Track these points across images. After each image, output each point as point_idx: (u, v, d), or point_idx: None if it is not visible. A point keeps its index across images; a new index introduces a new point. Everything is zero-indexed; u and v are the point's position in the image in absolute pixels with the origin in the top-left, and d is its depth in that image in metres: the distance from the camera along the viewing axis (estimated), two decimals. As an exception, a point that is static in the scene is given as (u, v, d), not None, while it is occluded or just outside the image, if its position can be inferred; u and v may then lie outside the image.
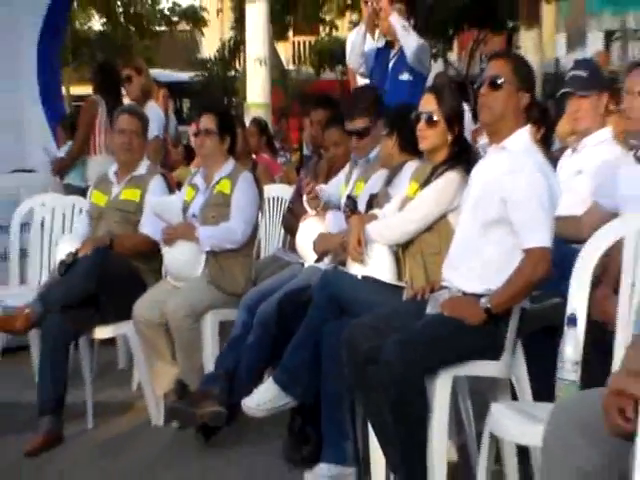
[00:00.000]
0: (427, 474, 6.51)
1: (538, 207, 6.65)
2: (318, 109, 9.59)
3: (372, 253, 7.64)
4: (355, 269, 7.72)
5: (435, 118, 7.37)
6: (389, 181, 8.07)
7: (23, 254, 10.41)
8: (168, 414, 8.66)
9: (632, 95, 6.98)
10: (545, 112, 9.41)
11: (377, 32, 11.36)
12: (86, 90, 24.90)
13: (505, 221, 6.65)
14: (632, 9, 35.26)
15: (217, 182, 9.03)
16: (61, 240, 9.97)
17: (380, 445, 6.87)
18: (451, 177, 7.28)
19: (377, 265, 7.60)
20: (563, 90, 8.55)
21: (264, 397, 7.48)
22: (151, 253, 9.11)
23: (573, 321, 5.57)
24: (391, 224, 7.44)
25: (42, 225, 10.35)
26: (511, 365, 6.66)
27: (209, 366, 8.50)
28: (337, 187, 8.42)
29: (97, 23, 34.14)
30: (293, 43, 30.80)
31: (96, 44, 32.48)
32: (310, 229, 8.36)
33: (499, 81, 6.80)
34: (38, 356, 8.81)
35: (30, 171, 12.46)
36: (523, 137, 6.85)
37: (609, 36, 32.77)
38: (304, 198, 8.52)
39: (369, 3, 11.42)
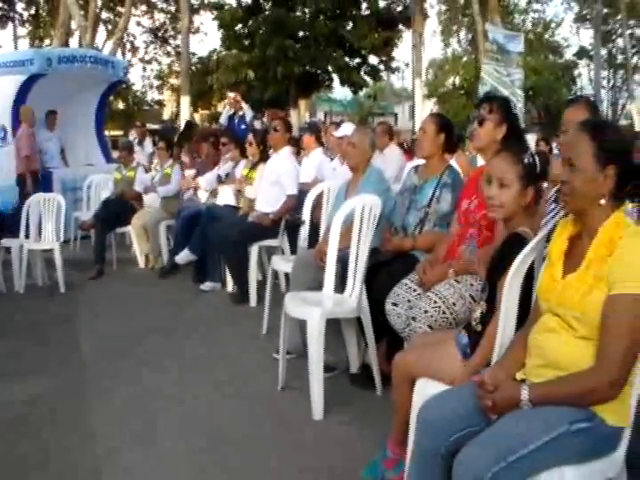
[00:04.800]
0: (249, 285, 6.53)
1: (292, 176, 6.67)
2: (208, 140, 9.45)
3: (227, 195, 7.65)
4: (220, 201, 7.67)
5: (253, 143, 7.28)
6: (234, 168, 7.98)
7: (88, 198, 10.09)
8: (145, 263, 8.56)
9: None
10: (297, 141, 9.35)
11: (230, 108, 11.23)
12: (113, 132, 24.45)
13: (279, 182, 6.63)
14: (333, 105, 36.42)
15: (165, 169, 8.79)
16: (102, 193, 9.73)
17: (230, 273, 6.84)
18: (260, 167, 7.14)
19: (230, 199, 7.54)
20: (301, 133, 8.64)
21: (184, 255, 7.38)
22: (138, 197, 8.89)
23: (304, 222, 5.57)
24: (252, 190, 7.12)
25: (96, 186, 10.05)
26: (281, 241, 6.67)
27: (164, 246, 8.36)
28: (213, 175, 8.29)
29: (120, 104, 33.05)
30: (201, 114, 30.29)
31: (120, 113, 31.52)
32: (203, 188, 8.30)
33: (277, 128, 6.77)
34: (94, 240, 8.56)
35: (91, 165, 12.14)
36: (286, 151, 6.81)
37: (325, 114, 32.95)
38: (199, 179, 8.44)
39: (232, 96, 11.38)
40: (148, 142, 13.74)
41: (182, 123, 20.16)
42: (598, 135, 2.24)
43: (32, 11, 31.78)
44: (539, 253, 2.66)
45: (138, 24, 33.36)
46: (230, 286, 6.98)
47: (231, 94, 11.80)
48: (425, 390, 2.78)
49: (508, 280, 2.61)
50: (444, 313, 3.43)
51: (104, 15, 29.97)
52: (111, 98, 19.33)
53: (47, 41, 30.55)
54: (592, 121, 2.50)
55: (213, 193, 8.05)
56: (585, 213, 2.28)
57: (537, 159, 2.92)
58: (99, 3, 25.95)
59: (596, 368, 2.14)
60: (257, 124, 11.51)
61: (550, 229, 2.88)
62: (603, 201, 2.24)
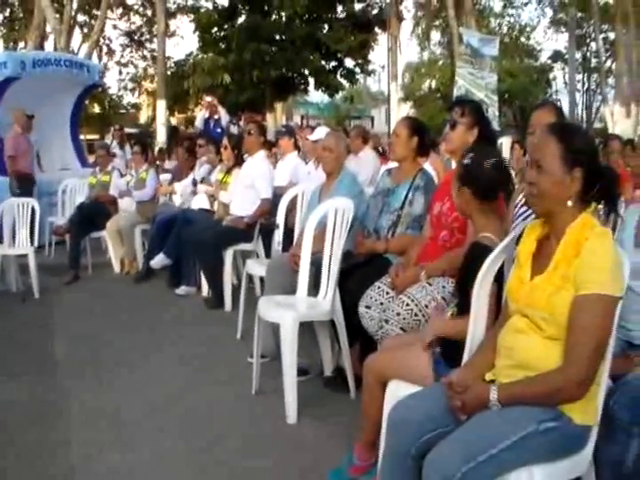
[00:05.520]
0: (224, 289, 6.53)
1: (267, 180, 6.66)
2: (184, 144, 9.39)
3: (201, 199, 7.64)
4: (194, 205, 7.67)
5: (227, 147, 7.24)
6: (210, 172, 7.96)
7: (63, 203, 10.04)
8: (121, 268, 8.52)
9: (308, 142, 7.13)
10: (272, 144, 9.30)
11: (206, 111, 11.17)
12: (89, 136, 24.43)
13: (252, 185, 6.60)
14: (310, 108, 35.80)
15: (140, 173, 8.77)
16: (78, 197, 9.67)
17: (205, 277, 6.83)
18: (235, 172, 7.12)
19: (204, 204, 7.54)
20: (278, 136, 8.58)
21: (159, 259, 7.37)
22: (114, 202, 8.86)
23: (278, 226, 5.58)
24: (225, 194, 7.08)
25: (71, 190, 9.99)
26: (256, 244, 6.65)
27: (139, 250, 8.34)
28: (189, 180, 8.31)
29: (96, 108, 32.81)
30: (177, 118, 30.07)
31: (95, 117, 31.37)
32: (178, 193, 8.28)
33: (251, 131, 6.77)
34: (69, 245, 8.52)
35: (66, 169, 12.10)
36: (261, 154, 6.79)
37: (302, 118, 32.52)
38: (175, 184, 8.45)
39: (209, 100, 11.36)
40: (129, 147, 13.72)
41: (158, 127, 20.13)
42: (565, 138, 2.28)
43: (6, 13, 31.48)
44: (509, 255, 2.68)
45: (114, 27, 33.15)
46: (205, 290, 6.96)
47: (207, 98, 11.80)
48: (397, 392, 2.79)
49: (477, 283, 2.64)
50: (416, 315, 3.44)
51: (80, 18, 29.77)
52: (87, 102, 19.19)
53: (21, 44, 30.32)
54: (560, 124, 2.54)
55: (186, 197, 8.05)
56: (552, 215, 2.32)
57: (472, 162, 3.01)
58: (74, 6, 25.74)
59: (563, 368, 2.17)
60: (234, 128, 11.50)
61: (520, 231, 2.91)
62: (570, 203, 2.27)
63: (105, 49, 34.11)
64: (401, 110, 23.76)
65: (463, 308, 2.80)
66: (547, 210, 2.32)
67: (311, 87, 25.94)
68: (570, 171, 2.25)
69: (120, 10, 32.53)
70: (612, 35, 29.35)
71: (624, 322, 2.82)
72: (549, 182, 2.27)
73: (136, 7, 33.33)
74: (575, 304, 2.16)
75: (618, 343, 2.73)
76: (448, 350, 2.81)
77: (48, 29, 23.51)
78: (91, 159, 13.19)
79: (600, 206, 2.44)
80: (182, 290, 7.20)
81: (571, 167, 2.25)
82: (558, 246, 2.27)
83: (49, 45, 25.93)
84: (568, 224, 2.26)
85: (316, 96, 32.20)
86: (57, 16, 21.78)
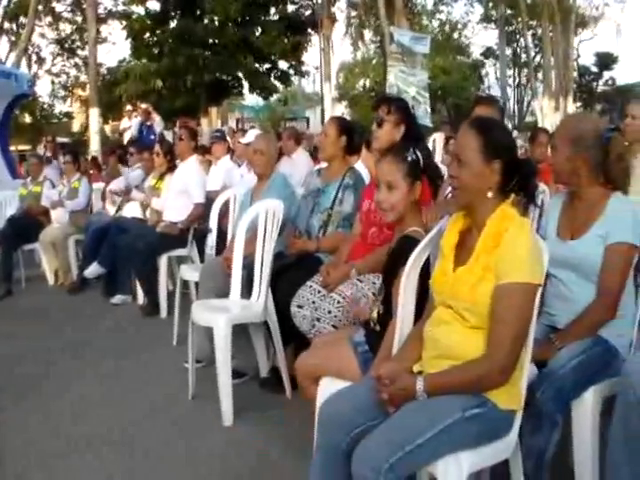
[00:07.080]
0: (159, 296, 6.49)
1: (199, 185, 6.60)
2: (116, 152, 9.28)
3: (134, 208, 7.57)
4: (126, 213, 7.58)
5: (159, 153, 7.07)
6: (144, 179, 7.86)
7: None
8: (55, 280, 8.37)
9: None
10: (207, 150, 9.20)
11: (140, 117, 11.09)
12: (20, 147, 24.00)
13: (186, 191, 6.53)
14: (245, 111, 35.29)
15: (72, 183, 8.62)
16: (8, 210, 9.44)
17: (140, 285, 6.71)
18: (168, 177, 7.01)
19: (136, 212, 7.46)
20: (212, 140, 8.46)
21: (93, 269, 7.25)
22: (46, 213, 8.68)
23: (211, 230, 5.56)
24: (158, 201, 6.98)
25: (0, 203, 9.75)
26: (190, 250, 6.53)
27: (73, 261, 8.19)
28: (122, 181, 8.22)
29: (27, 118, 32.18)
30: (111, 125, 29.53)
31: (26, 127, 30.74)
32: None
33: (182, 137, 6.71)
34: (0, 259, 8.20)
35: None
36: (192, 159, 6.73)
37: (238, 121, 32.08)
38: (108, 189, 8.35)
39: (143, 107, 11.27)
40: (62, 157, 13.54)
41: (92, 136, 19.76)
42: (484, 131, 2.33)
43: None
44: (434, 248, 2.72)
45: (42, 36, 32.54)
46: (141, 298, 6.87)
47: (142, 105, 11.74)
48: (329, 388, 2.79)
49: (404, 277, 2.66)
50: (348, 312, 3.46)
51: (6, 25, 29.17)
52: (16, 112, 18.81)
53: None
54: (479, 118, 2.59)
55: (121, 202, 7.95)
56: (473, 207, 2.37)
57: (419, 153, 2.99)
58: (0, 12, 25.22)
59: (486, 356, 2.22)
60: (169, 134, 11.42)
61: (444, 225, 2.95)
62: (490, 194, 2.33)
63: (34, 57, 33.55)
64: (336, 110, 23.88)
65: (388, 301, 2.83)
66: (468, 202, 2.38)
67: (246, 90, 25.87)
68: (489, 163, 2.31)
69: (49, 18, 31.98)
70: (540, 31, 29.99)
71: (547, 308, 2.90)
72: (469, 174, 2.32)
73: (65, 14, 32.82)
74: (496, 293, 2.21)
75: (541, 329, 2.81)
76: (374, 345, 2.84)
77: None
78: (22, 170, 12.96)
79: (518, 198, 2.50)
80: (117, 299, 7.09)
81: (490, 159, 2.31)
82: (479, 237, 2.31)
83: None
84: (488, 215, 2.32)
85: (251, 99, 32.13)
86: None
